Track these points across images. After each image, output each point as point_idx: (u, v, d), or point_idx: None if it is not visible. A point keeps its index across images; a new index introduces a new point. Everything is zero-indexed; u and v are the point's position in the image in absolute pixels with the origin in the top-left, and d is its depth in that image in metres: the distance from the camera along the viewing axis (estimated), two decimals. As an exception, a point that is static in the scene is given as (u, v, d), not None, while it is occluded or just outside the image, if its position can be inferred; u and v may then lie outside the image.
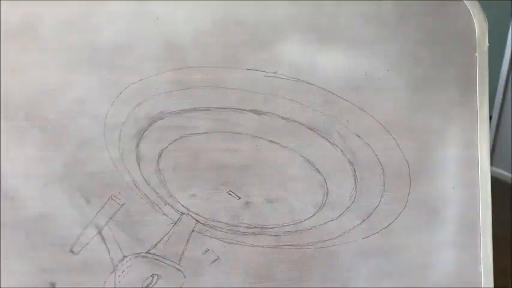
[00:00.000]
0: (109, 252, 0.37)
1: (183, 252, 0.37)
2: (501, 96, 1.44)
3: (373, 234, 0.39)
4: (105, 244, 0.37)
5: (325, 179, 0.38)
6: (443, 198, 0.39)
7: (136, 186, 0.37)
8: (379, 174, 0.38)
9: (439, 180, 0.38)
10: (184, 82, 0.35)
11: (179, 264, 0.37)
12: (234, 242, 0.38)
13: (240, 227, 0.38)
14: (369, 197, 0.38)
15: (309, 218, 0.38)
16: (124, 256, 0.37)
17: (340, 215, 0.38)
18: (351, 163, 0.38)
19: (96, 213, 0.37)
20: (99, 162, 0.36)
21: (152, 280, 0.37)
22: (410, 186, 0.39)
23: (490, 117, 1.47)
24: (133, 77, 0.35)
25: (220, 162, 0.37)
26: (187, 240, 0.38)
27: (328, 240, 0.38)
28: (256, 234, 0.38)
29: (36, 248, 0.36)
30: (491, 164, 0.42)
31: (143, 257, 0.37)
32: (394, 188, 0.38)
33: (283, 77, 0.36)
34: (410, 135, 0.38)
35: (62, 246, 0.37)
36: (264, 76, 0.36)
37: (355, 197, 0.38)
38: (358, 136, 0.38)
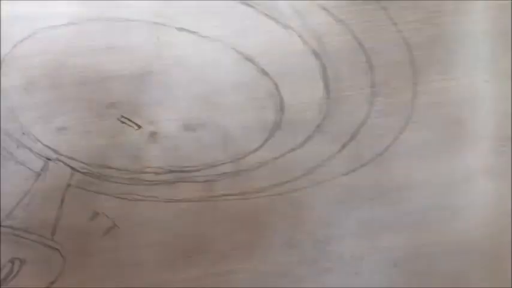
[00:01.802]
0: None
1: (58, 219, 0.24)
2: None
3: (360, 167, 0.25)
4: None
5: (276, 84, 0.24)
6: (469, 99, 0.24)
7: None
8: (362, 68, 0.24)
9: (459, 70, 0.24)
10: None
11: (53, 240, 0.24)
12: (138, 197, 0.24)
13: (146, 173, 0.24)
14: (350, 107, 0.24)
15: (256, 149, 0.24)
16: (-38, 234, 0.23)
17: (305, 140, 0.24)
18: (316, 54, 0.24)
19: None
20: None
21: (12, 268, 0.24)
22: (415, 85, 0.24)
23: None
24: None
25: (102, 70, 0.23)
26: (62, 200, 0.24)
27: (288, 181, 0.25)
28: (173, 183, 0.24)
29: None
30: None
31: (-7, 232, 0.23)
32: (390, 90, 0.24)
33: None
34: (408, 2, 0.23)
35: None
36: None
37: (326, 110, 0.24)
38: (325, 9, 0.23)
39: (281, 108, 0.24)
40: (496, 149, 0.25)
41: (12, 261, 0.24)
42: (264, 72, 0.24)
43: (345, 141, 0.25)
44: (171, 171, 0.25)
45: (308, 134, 0.25)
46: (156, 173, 0.25)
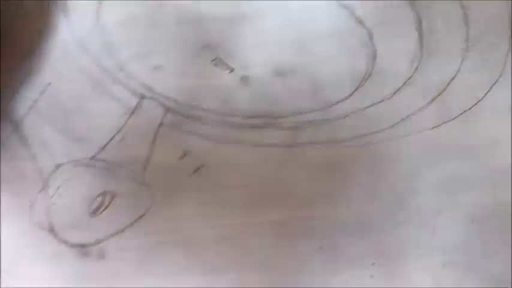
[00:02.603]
0: (35, 159, 0.24)
1: (149, 156, 0.24)
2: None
3: (447, 122, 0.25)
4: (28, 147, 0.24)
5: (371, 34, 0.24)
6: None
7: (66, 54, 0.23)
8: (458, 22, 0.24)
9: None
10: None
11: (143, 176, 0.24)
12: (226, 140, 0.25)
13: (236, 116, 0.25)
14: (442, 60, 0.24)
15: (346, 98, 0.24)
16: (58, 165, 0.24)
17: (395, 92, 0.25)
18: (412, 5, 0.23)
19: (8, 100, 0.24)
20: None
21: (104, 200, 0.25)
22: (510, 41, 0.24)
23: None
24: None
25: (199, 11, 0.23)
26: (154, 138, 0.24)
27: (374, 133, 0.25)
28: (261, 128, 0.25)
29: None
30: None
31: (87, 165, 0.24)
32: (484, 45, 0.24)
33: None
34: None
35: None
36: None
37: (419, 62, 0.24)
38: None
39: (373, 58, 0.24)
40: None
41: (104, 194, 0.25)
42: (360, 21, 0.24)
43: (434, 95, 0.25)
44: (259, 116, 0.25)
45: (398, 85, 0.25)
46: (245, 117, 0.25)
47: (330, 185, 0.26)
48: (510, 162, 0.25)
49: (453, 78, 0.25)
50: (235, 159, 0.25)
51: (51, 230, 0.25)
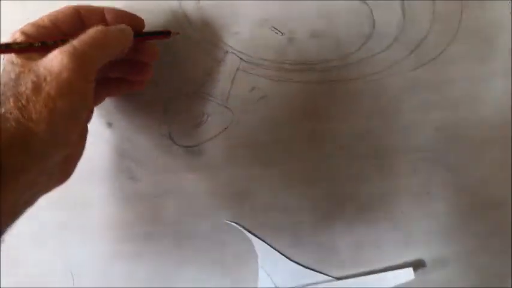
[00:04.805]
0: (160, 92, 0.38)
1: (230, 91, 0.38)
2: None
3: (421, 66, 0.38)
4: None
5: (371, 10, 0.37)
6: (497, 25, 0.37)
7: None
8: (428, 2, 0.37)
9: (495, 4, 0.37)
10: None
11: (227, 102, 0.38)
12: (280, 79, 0.38)
13: (286, 63, 0.38)
14: (418, 26, 0.38)
15: (356, 51, 0.38)
16: (174, 95, 0.38)
17: (387, 46, 0.38)
18: (398, -10, 0.37)
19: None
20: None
21: (203, 118, 0.38)
22: (462, 13, 0.37)
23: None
24: None
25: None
26: (233, 78, 0.38)
27: (376, 73, 0.38)
28: (302, 71, 0.38)
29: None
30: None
31: (193, 96, 0.38)
32: (445, 16, 0.37)
33: None
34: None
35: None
36: None
37: (403, 27, 0.37)
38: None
39: (373, 25, 0.38)
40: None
41: (203, 114, 0.39)
42: (364, 1, 0.37)
43: (412, 49, 0.38)
44: (301, 63, 0.39)
45: (390, 42, 0.38)
46: (292, 64, 0.39)
47: (346, 107, 0.39)
48: (465, 92, 0.39)
49: (425, 37, 0.38)
50: (286, 91, 0.39)
51: (169, 136, 0.39)
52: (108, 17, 0.32)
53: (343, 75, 0.39)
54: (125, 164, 0.39)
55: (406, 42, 0.38)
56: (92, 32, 0.29)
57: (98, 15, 0.32)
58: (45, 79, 0.26)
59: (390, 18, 0.38)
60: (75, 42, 0.27)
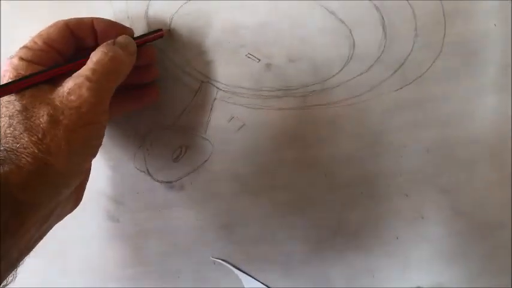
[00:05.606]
0: (134, 126, 0.37)
1: (208, 121, 0.37)
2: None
3: (406, 85, 0.37)
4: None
5: (350, 30, 0.36)
6: (482, 38, 0.35)
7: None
8: (409, 18, 0.35)
9: (479, 16, 0.35)
10: None
11: (205, 134, 0.37)
12: (259, 106, 0.37)
13: (264, 90, 0.37)
14: (400, 44, 0.36)
15: (336, 74, 0.36)
16: (150, 129, 0.37)
17: (369, 67, 0.36)
18: (377, 9, 0.35)
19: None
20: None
21: (181, 151, 0.37)
22: (445, 28, 0.35)
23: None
24: None
25: (235, 21, 0.35)
26: (211, 109, 0.37)
27: (358, 96, 0.37)
28: (281, 97, 0.37)
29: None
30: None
31: (169, 128, 0.37)
32: (427, 32, 0.36)
33: None
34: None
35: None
36: None
37: (384, 46, 0.36)
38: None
39: (353, 46, 0.36)
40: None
41: (181, 147, 0.38)
42: (342, 22, 0.36)
43: (396, 68, 0.37)
44: (279, 89, 0.37)
45: (371, 63, 0.36)
46: (270, 91, 0.37)
47: (328, 132, 0.38)
48: (453, 110, 0.37)
49: (408, 55, 0.36)
50: (265, 119, 0.38)
51: (147, 172, 0.38)
52: (97, 28, 0.31)
53: (324, 100, 0.37)
54: (102, 203, 0.38)
55: (388, 61, 0.36)
56: (102, 59, 0.28)
57: (87, 27, 0.31)
58: (62, 112, 0.25)
59: (371, 38, 0.36)
60: (89, 73, 0.27)
